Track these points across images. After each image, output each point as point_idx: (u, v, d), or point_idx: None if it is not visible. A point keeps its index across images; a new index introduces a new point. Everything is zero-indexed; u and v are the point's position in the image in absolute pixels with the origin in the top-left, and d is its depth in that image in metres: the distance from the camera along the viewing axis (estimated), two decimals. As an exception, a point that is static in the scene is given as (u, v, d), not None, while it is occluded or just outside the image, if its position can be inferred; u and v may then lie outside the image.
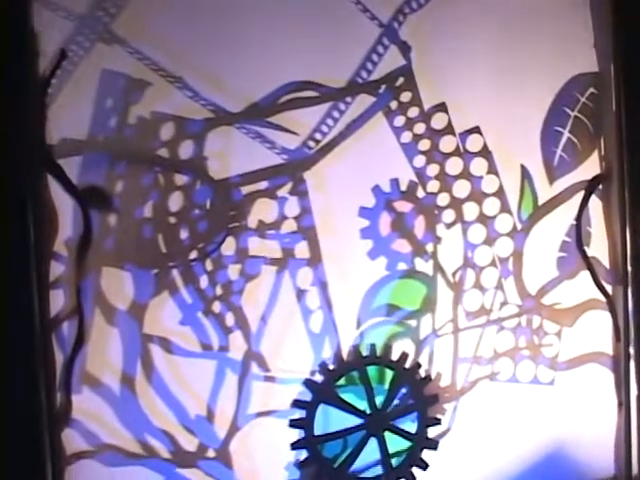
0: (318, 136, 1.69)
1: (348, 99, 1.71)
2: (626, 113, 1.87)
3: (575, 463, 1.92)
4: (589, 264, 1.89)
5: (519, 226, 1.84)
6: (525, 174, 1.84)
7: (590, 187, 1.89)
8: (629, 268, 1.90)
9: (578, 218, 1.88)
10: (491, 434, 1.85)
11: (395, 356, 1.77)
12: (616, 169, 1.89)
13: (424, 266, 1.78)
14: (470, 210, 1.80)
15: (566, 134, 1.86)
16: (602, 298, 1.91)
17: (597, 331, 1.92)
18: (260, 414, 1.69)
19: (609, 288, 1.91)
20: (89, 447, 1.59)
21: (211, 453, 1.66)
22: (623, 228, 1.90)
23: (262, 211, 1.67)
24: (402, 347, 1.77)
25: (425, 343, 1.79)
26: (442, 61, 1.77)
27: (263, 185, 1.67)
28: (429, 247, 1.78)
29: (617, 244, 1.91)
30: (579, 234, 1.88)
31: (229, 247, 1.65)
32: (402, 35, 1.74)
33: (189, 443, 1.65)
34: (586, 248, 1.89)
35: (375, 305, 1.76)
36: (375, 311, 1.76)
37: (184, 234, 1.63)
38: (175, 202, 1.62)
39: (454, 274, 1.80)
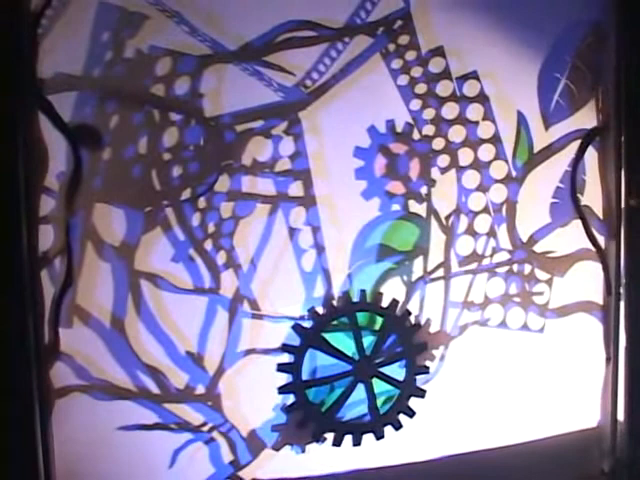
0: (315, 76, 1.68)
1: (346, 39, 1.69)
2: (625, 66, 1.86)
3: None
4: (581, 213, 1.89)
5: (514, 173, 1.84)
6: (521, 121, 1.83)
7: (587, 139, 1.88)
8: (622, 224, 1.90)
9: (573, 169, 1.88)
10: (479, 379, 1.86)
11: (385, 303, 1.77)
12: (613, 123, 1.88)
13: (418, 208, 1.78)
14: (465, 156, 1.80)
15: (564, 81, 1.85)
16: (594, 249, 1.91)
17: (588, 281, 1.93)
18: (249, 353, 1.69)
19: (601, 239, 1.91)
20: (79, 382, 1.59)
21: (200, 391, 1.67)
22: (618, 184, 1.90)
23: (256, 150, 1.66)
24: (393, 292, 1.77)
25: (416, 287, 1.79)
26: (441, 5, 1.75)
27: (259, 123, 1.65)
28: (423, 190, 1.77)
29: (611, 199, 1.91)
30: (573, 184, 1.88)
31: (223, 185, 1.64)
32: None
33: (178, 380, 1.65)
34: (580, 196, 1.89)
35: (367, 246, 1.75)
36: (368, 252, 1.76)
37: (178, 172, 1.62)
38: (170, 139, 1.61)
39: (447, 218, 1.80)
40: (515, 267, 1.86)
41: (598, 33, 1.87)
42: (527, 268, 1.87)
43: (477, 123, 1.80)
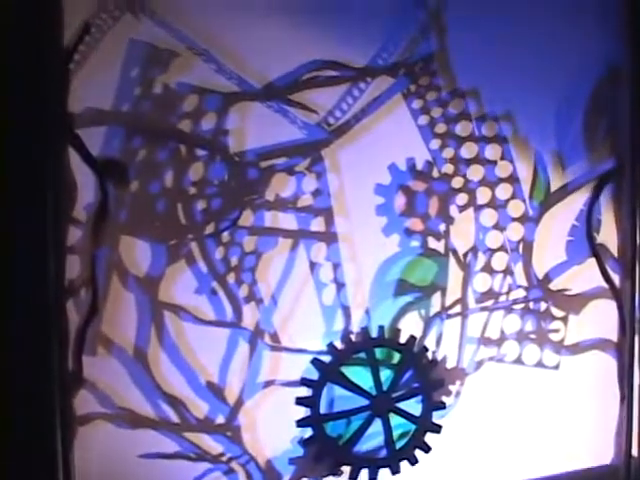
0: (338, 114, 1.71)
1: (368, 79, 1.72)
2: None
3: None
4: (596, 251, 1.91)
5: (530, 212, 1.86)
6: (538, 161, 1.86)
7: (603, 180, 1.91)
8: (637, 262, 1.93)
9: (589, 208, 1.90)
10: (495, 415, 1.87)
11: (403, 339, 1.78)
12: (629, 163, 1.91)
13: (436, 245, 1.80)
14: (483, 195, 1.83)
15: (580, 121, 1.89)
16: (609, 287, 1.93)
17: (603, 319, 1.94)
18: (268, 385, 1.70)
19: (616, 278, 1.94)
20: (101, 410, 1.60)
21: (219, 421, 1.68)
22: (633, 223, 1.92)
23: (279, 186, 1.68)
24: (410, 327, 1.79)
25: (433, 323, 1.81)
26: (461, 48, 1.78)
27: (282, 160, 1.68)
28: (442, 227, 1.80)
29: (627, 237, 1.93)
30: (589, 222, 1.90)
31: (246, 220, 1.67)
32: (424, 21, 1.76)
33: (198, 411, 1.66)
34: (595, 235, 1.92)
35: (387, 281, 1.77)
36: (387, 287, 1.77)
37: (202, 206, 1.64)
38: (195, 174, 1.63)
39: (465, 255, 1.83)
40: (531, 304, 1.88)
41: (614, 74, 1.91)
42: (543, 306, 1.89)
43: (495, 163, 1.83)
